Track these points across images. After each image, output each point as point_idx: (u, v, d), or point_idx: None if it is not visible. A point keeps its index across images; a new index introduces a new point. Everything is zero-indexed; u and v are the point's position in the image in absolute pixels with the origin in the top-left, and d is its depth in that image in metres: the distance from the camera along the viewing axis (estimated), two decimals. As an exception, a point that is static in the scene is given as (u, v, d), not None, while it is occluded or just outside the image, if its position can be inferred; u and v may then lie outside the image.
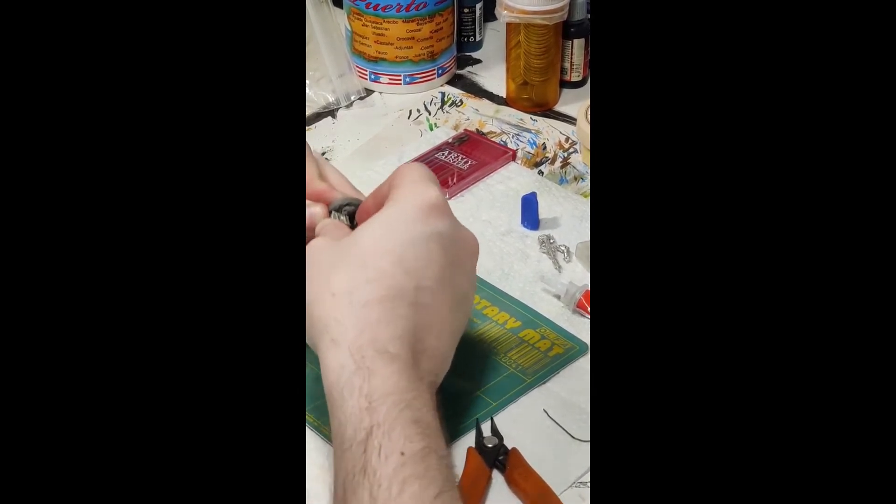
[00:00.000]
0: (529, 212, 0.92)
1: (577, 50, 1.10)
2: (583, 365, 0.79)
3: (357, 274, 0.63)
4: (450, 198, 0.96)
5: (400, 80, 1.11)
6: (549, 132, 1.06)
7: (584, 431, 0.73)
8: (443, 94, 1.12)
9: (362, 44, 1.11)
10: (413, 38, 1.09)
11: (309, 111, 1.08)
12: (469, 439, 0.72)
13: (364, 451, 0.57)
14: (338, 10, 1.12)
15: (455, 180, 0.98)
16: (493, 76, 1.15)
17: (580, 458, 0.71)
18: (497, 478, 0.71)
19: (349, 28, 1.11)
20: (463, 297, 0.67)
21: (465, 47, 1.18)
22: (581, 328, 0.82)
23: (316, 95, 1.09)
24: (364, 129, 1.07)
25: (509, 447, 0.72)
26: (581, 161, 1.01)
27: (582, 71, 1.11)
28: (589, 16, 1.09)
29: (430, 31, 1.10)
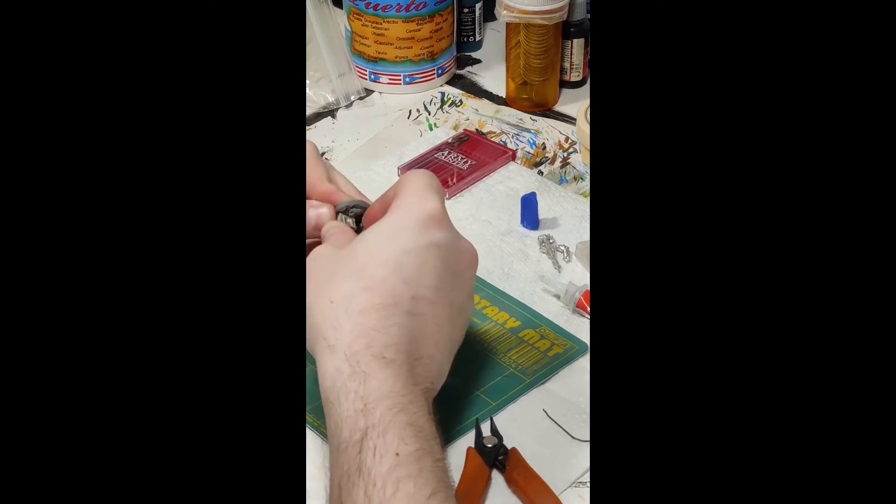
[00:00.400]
0: (529, 212, 0.92)
1: (577, 50, 1.10)
2: (582, 365, 0.79)
3: (355, 282, 0.64)
4: (449, 198, 0.96)
5: (400, 80, 1.11)
6: (549, 132, 1.06)
7: (584, 431, 0.73)
8: (442, 94, 1.12)
9: (362, 44, 1.11)
10: (413, 38, 1.09)
11: (309, 111, 1.08)
12: (469, 439, 0.72)
13: (359, 452, 0.58)
14: (338, 10, 1.12)
15: (455, 180, 0.98)
16: (492, 76, 1.15)
17: (580, 458, 0.72)
18: (497, 478, 0.71)
19: (349, 28, 1.11)
20: (460, 307, 0.68)
21: (464, 47, 1.18)
22: (581, 328, 0.82)
23: (316, 95, 1.09)
24: (364, 129, 1.07)
25: (509, 447, 0.72)
26: (581, 161, 1.01)
27: (582, 71, 1.11)
28: (589, 16, 1.09)
29: (430, 31, 1.10)
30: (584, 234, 0.91)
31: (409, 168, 0.99)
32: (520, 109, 1.09)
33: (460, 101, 1.11)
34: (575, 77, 1.11)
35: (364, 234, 0.67)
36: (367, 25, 1.09)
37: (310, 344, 0.64)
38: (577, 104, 1.09)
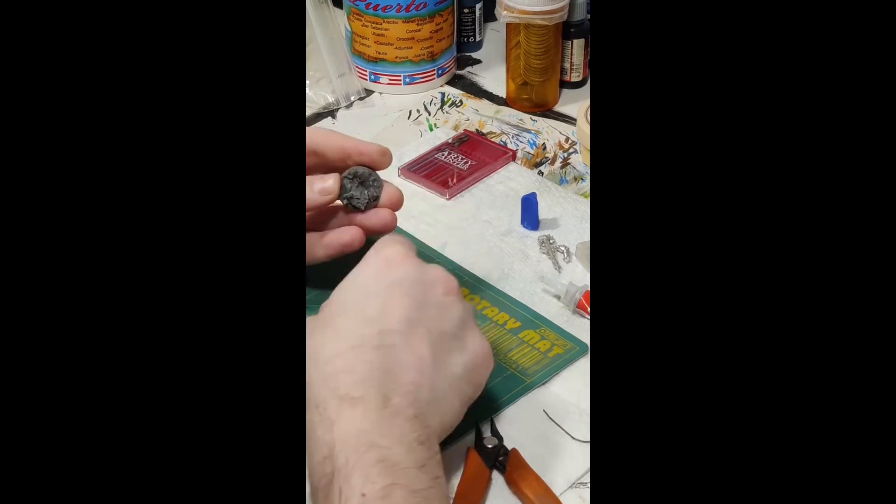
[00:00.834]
0: (529, 212, 0.92)
1: (577, 50, 1.10)
2: (583, 365, 0.79)
3: (321, 336, 0.65)
4: (449, 198, 0.96)
5: (400, 80, 1.11)
6: (549, 132, 1.06)
7: (584, 432, 0.73)
8: (443, 94, 1.12)
9: (362, 44, 1.11)
10: (413, 38, 1.09)
11: (309, 111, 1.08)
12: (469, 440, 0.72)
13: (327, 497, 0.59)
14: (338, 10, 1.12)
15: (455, 181, 0.98)
16: (493, 76, 1.15)
17: (580, 459, 0.71)
18: (497, 478, 0.71)
19: (349, 28, 1.11)
20: (444, 333, 0.67)
21: (464, 47, 1.18)
22: (581, 329, 0.82)
23: (316, 95, 1.09)
24: (364, 129, 1.07)
25: (509, 448, 0.72)
26: (581, 161, 1.01)
27: (582, 71, 1.11)
28: (589, 16, 1.09)
29: (430, 32, 1.10)
30: (584, 234, 0.91)
31: (410, 168, 0.99)
32: (520, 110, 1.09)
33: (460, 101, 1.11)
34: (575, 77, 1.11)
35: (332, 294, 0.68)
36: (367, 26, 1.09)
37: None
38: (577, 104, 1.09)
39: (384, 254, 0.69)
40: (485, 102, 1.11)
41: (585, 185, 0.98)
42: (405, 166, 1.00)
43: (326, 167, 0.79)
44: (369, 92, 1.12)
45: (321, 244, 0.79)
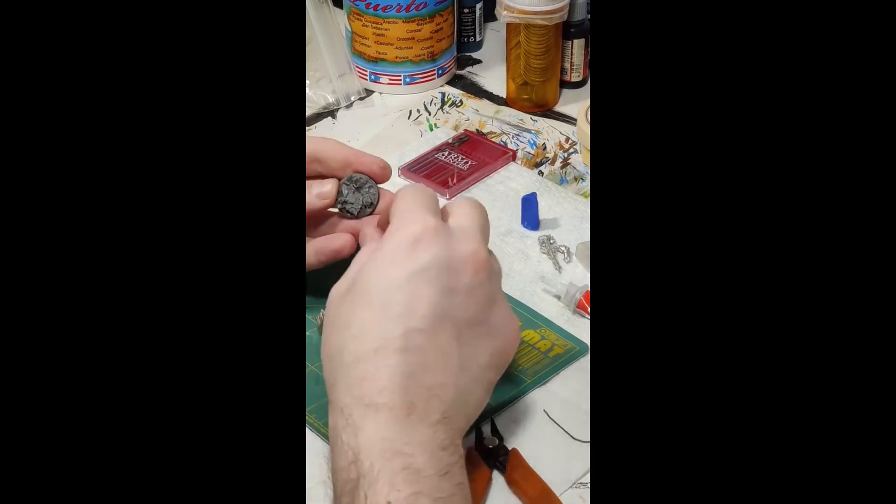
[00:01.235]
0: (529, 212, 0.92)
1: (577, 50, 1.10)
2: (583, 365, 0.79)
3: (344, 332, 0.64)
4: (450, 198, 0.96)
5: (400, 80, 1.11)
6: (550, 132, 1.06)
7: (584, 432, 0.73)
8: (443, 94, 1.12)
9: (362, 44, 1.11)
10: (413, 38, 1.09)
11: (309, 111, 1.08)
12: (469, 440, 0.72)
13: (353, 502, 0.58)
14: (338, 10, 1.12)
15: (455, 181, 0.98)
16: (493, 76, 1.15)
17: (580, 459, 0.71)
18: (497, 478, 0.71)
19: (349, 28, 1.11)
20: (471, 320, 0.65)
21: (465, 47, 1.18)
22: (581, 329, 0.82)
23: (316, 96, 1.09)
24: (364, 129, 1.07)
25: (510, 448, 0.72)
26: (581, 161, 1.01)
27: (582, 71, 1.11)
28: (589, 16, 1.09)
29: (430, 32, 1.10)
30: (585, 234, 0.91)
31: (410, 169, 0.99)
32: (520, 110, 1.09)
33: (461, 101, 1.11)
34: (575, 77, 1.11)
35: (355, 277, 0.66)
36: (367, 26, 1.09)
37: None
38: (577, 104, 1.09)
39: (411, 231, 0.65)
40: (485, 102, 1.11)
41: (585, 185, 0.98)
42: (405, 166, 1.00)
43: (328, 176, 0.79)
44: (369, 92, 1.12)
45: (313, 250, 0.78)
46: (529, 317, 0.82)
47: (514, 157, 1.01)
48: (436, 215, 0.67)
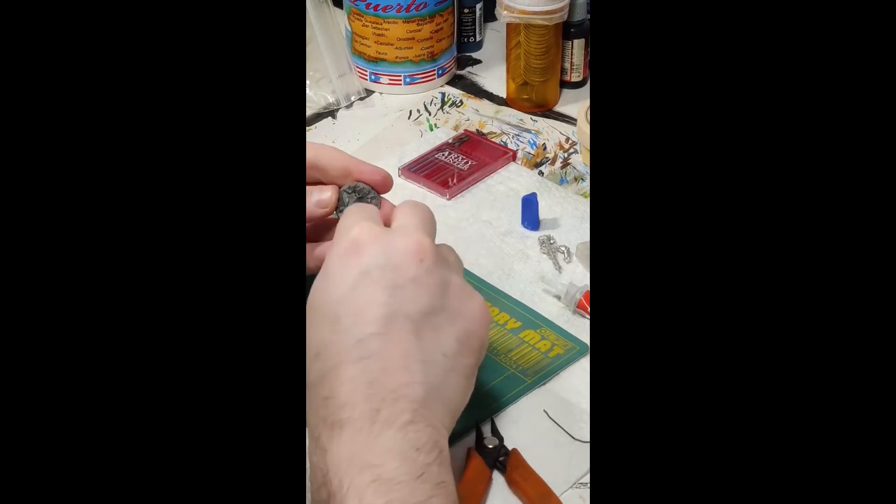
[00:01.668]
0: (530, 212, 0.92)
1: (577, 50, 1.10)
2: (583, 365, 0.79)
3: (307, 355, 0.63)
4: (450, 198, 0.96)
5: (400, 80, 1.11)
6: (550, 132, 1.06)
7: (584, 432, 0.73)
8: (443, 94, 1.12)
9: (362, 44, 1.11)
10: (413, 38, 1.09)
11: (309, 111, 1.08)
12: (469, 440, 0.72)
13: None
14: (338, 10, 1.12)
15: (455, 181, 0.98)
16: (493, 76, 1.15)
17: (580, 459, 0.71)
18: (497, 478, 0.71)
19: (349, 28, 1.11)
20: (424, 311, 0.64)
21: (465, 47, 1.18)
22: (581, 329, 0.82)
23: (316, 96, 1.09)
24: (364, 129, 1.07)
25: (510, 448, 0.72)
26: (581, 161, 1.01)
27: (582, 71, 1.11)
28: (589, 16, 1.09)
29: (431, 32, 1.10)
30: (585, 234, 0.91)
31: (410, 169, 0.99)
32: (520, 110, 1.09)
33: (461, 101, 1.11)
34: (575, 77, 1.11)
35: (309, 298, 0.65)
36: (367, 26, 1.09)
37: None
38: (577, 104, 1.09)
39: (349, 237, 0.65)
40: (485, 102, 1.11)
41: (585, 185, 0.98)
42: (405, 166, 1.00)
43: (327, 184, 0.78)
44: (369, 92, 1.12)
45: (312, 256, 0.77)
46: (529, 317, 0.83)
47: (514, 158, 1.01)
48: (375, 222, 0.67)
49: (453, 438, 0.71)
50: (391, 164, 1.00)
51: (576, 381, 0.77)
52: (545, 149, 1.03)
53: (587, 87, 1.12)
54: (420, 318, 0.64)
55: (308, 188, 0.74)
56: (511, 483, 0.70)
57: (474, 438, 0.72)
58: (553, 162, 1.01)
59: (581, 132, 0.98)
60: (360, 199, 0.74)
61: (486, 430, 0.73)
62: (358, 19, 1.09)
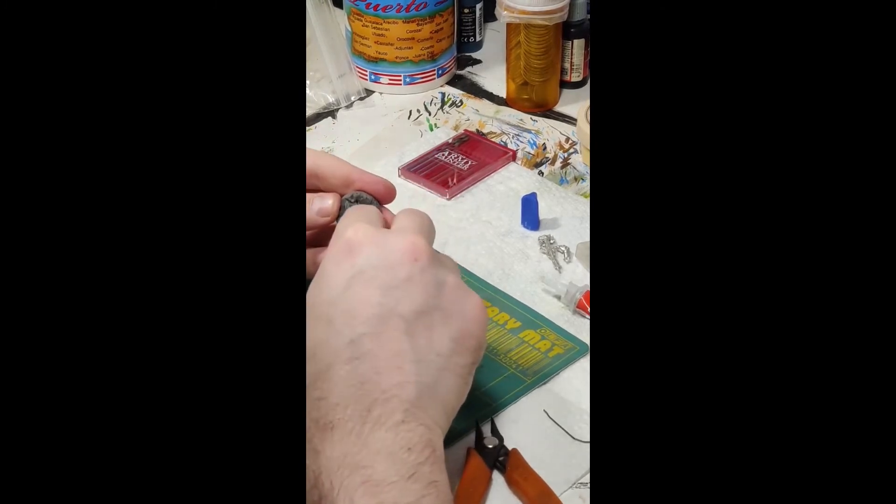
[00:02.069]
0: (529, 212, 0.92)
1: (577, 50, 1.10)
2: (583, 365, 0.79)
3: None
4: (450, 198, 0.96)
5: (400, 80, 1.11)
6: (550, 132, 1.06)
7: (584, 432, 0.73)
8: (443, 94, 1.12)
9: (362, 44, 1.11)
10: (413, 38, 1.09)
11: (309, 111, 1.08)
12: (469, 440, 0.72)
13: None
14: (338, 10, 1.12)
15: (455, 181, 0.98)
16: (493, 76, 1.15)
17: (580, 459, 0.71)
18: (497, 478, 0.71)
19: (349, 28, 1.11)
20: (418, 310, 0.64)
21: (465, 47, 1.18)
22: (581, 329, 0.82)
23: (316, 96, 1.09)
24: (364, 129, 1.07)
25: (509, 448, 0.72)
26: (581, 161, 1.01)
27: (582, 71, 1.11)
28: (589, 16, 1.09)
29: (431, 32, 1.10)
30: (585, 234, 0.91)
31: (410, 169, 0.99)
32: (520, 110, 1.09)
33: (461, 101, 1.11)
34: (575, 77, 1.11)
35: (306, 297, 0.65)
36: (367, 26, 1.09)
37: None
38: (577, 104, 1.09)
39: (345, 238, 0.65)
40: (485, 102, 1.11)
41: (585, 185, 0.98)
42: (405, 166, 1.00)
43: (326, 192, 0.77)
44: (369, 92, 1.12)
45: (314, 262, 0.76)
46: (530, 317, 0.83)
47: (514, 157, 1.01)
48: (372, 224, 0.67)
49: (453, 438, 0.71)
50: (391, 164, 1.00)
51: (576, 381, 0.77)
52: (545, 149, 1.03)
53: (587, 87, 1.12)
54: (413, 317, 0.64)
55: (309, 196, 0.74)
56: (511, 483, 0.70)
57: (474, 438, 0.72)
58: (553, 162, 1.01)
59: (581, 132, 0.98)
60: None
61: (486, 430, 0.73)
62: (358, 19, 1.10)
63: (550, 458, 0.72)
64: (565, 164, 1.01)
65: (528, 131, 1.06)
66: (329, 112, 1.09)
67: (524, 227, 0.93)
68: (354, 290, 0.63)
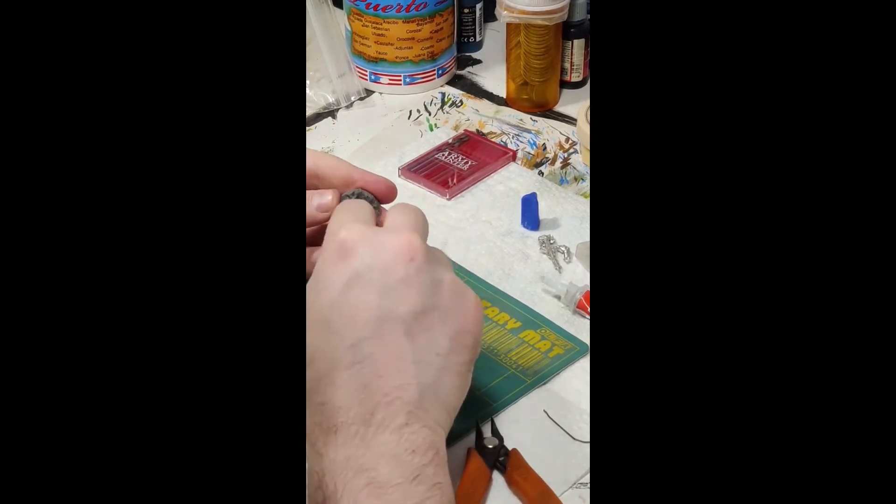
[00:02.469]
0: (530, 212, 0.92)
1: (577, 50, 1.10)
2: (583, 365, 0.79)
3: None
4: (450, 198, 0.96)
5: (400, 80, 1.11)
6: (550, 132, 1.06)
7: (584, 432, 0.73)
8: (443, 94, 1.12)
9: (362, 44, 1.11)
10: (413, 38, 1.09)
11: (309, 111, 1.08)
12: (469, 440, 0.72)
13: None
14: (338, 10, 1.12)
15: (455, 181, 0.98)
16: (493, 76, 1.15)
17: (580, 459, 0.71)
18: (497, 479, 0.71)
19: (349, 28, 1.11)
20: (415, 310, 0.63)
21: (465, 47, 1.18)
22: (581, 329, 0.82)
23: (316, 96, 1.09)
24: (364, 129, 1.07)
25: (510, 448, 0.72)
26: (581, 161, 1.01)
27: (582, 71, 1.11)
28: (589, 16, 1.09)
29: (430, 32, 1.10)
30: (585, 234, 0.91)
31: (410, 169, 0.99)
32: (520, 110, 1.09)
33: (461, 101, 1.11)
34: (575, 77, 1.11)
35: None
36: (367, 26, 1.09)
37: None
38: (577, 105, 1.09)
39: (339, 239, 0.64)
40: (485, 102, 1.11)
41: (585, 185, 0.98)
42: (405, 166, 1.00)
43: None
44: (369, 92, 1.12)
45: (311, 261, 0.76)
46: (530, 317, 0.83)
47: (514, 158, 1.01)
48: (364, 222, 0.66)
49: (454, 439, 0.71)
50: (391, 164, 1.00)
51: (576, 381, 0.77)
52: (545, 149, 1.03)
53: (587, 87, 1.12)
54: (412, 318, 0.63)
55: (309, 192, 0.73)
56: (511, 483, 0.70)
57: (474, 438, 0.72)
58: (553, 162, 1.01)
59: (581, 132, 0.98)
60: None
61: (486, 430, 0.73)
62: (358, 19, 1.09)
63: (550, 458, 0.72)
64: (565, 164, 1.01)
65: (528, 131, 1.06)
66: (329, 112, 1.09)
67: (524, 227, 0.93)
68: (352, 293, 0.63)
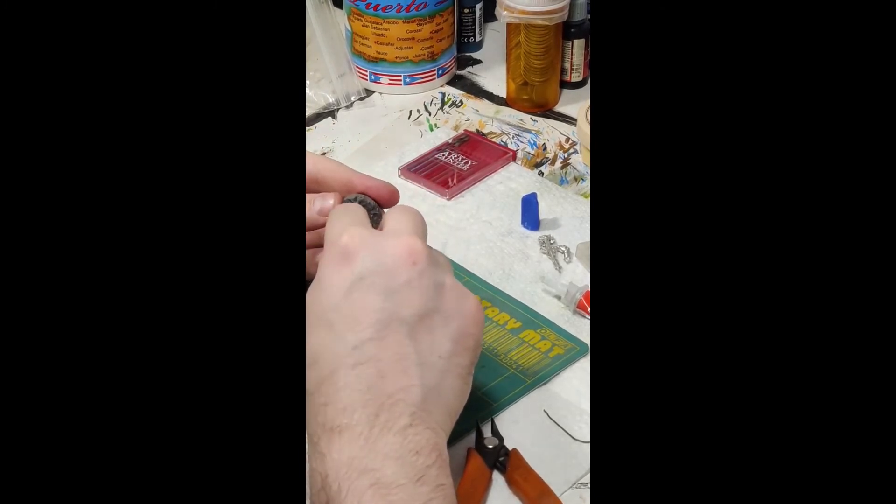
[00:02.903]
0: (530, 212, 0.92)
1: (577, 50, 1.10)
2: (583, 365, 0.79)
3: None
4: (450, 198, 0.96)
5: (400, 80, 1.11)
6: (550, 133, 1.06)
7: (584, 432, 0.73)
8: (443, 94, 1.12)
9: (362, 44, 1.11)
10: (413, 38, 1.09)
11: (309, 111, 1.08)
12: (469, 440, 0.72)
13: None
14: (338, 10, 1.12)
15: (455, 181, 0.98)
16: (493, 76, 1.15)
17: (580, 459, 0.71)
18: (497, 479, 0.71)
19: (349, 28, 1.11)
20: (419, 313, 0.64)
21: (465, 48, 1.18)
22: (581, 329, 0.82)
23: (316, 96, 1.09)
24: (364, 129, 1.07)
25: (510, 448, 0.72)
26: (581, 161, 1.01)
27: (582, 71, 1.11)
28: (589, 16, 1.09)
29: (431, 32, 1.10)
30: (585, 234, 0.91)
31: (410, 169, 0.99)
32: (520, 110, 1.09)
33: (461, 101, 1.11)
34: (575, 77, 1.11)
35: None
36: (367, 26, 1.09)
37: None
38: (577, 105, 1.09)
39: (340, 244, 0.65)
40: (485, 102, 1.11)
41: (585, 186, 0.98)
42: (405, 166, 1.00)
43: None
44: (369, 92, 1.12)
45: (313, 263, 0.76)
46: (530, 317, 0.83)
47: (514, 158, 1.01)
48: (364, 226, 0.66)
49: (454, 439, 0.71)
50: (391, 164, 1.00)
51: (576, 381, 0.77)
52: (545, 149, 1.03)
53: (587, 87, 1.12)
54: (415, 321, 0.64)
55: (310, 196, 0.73)
56: (511, 483, 0.70)
57: (474, 438, 0.72)
58: (553, 162, 1.01)
59: (581, 132, 0.98)
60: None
61: (486, 430, 0.73)
62: (358, 19, 1.09)
63: (550, 458, 0.72)
64: (565, 164, 1.01)
65: (528, 131, 1.06)
66: (329, 112, 1.09)
67: (524, 227, 0.93)
68: (355, 296, 0.63)
